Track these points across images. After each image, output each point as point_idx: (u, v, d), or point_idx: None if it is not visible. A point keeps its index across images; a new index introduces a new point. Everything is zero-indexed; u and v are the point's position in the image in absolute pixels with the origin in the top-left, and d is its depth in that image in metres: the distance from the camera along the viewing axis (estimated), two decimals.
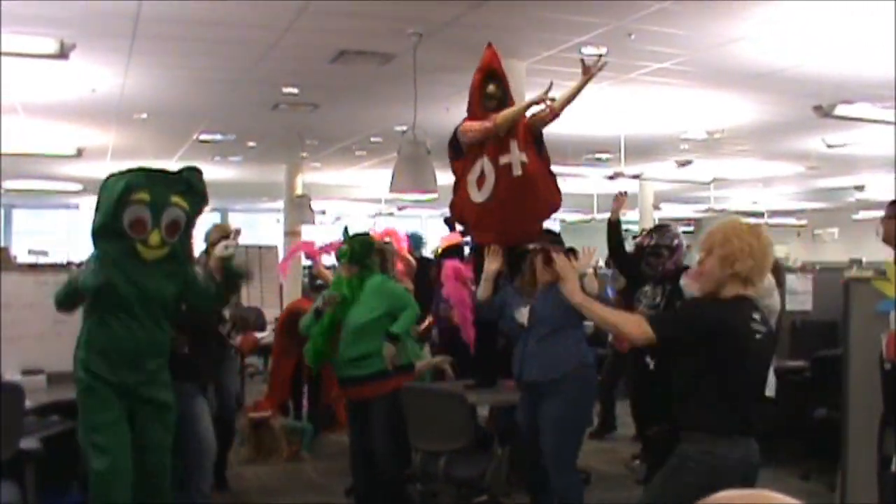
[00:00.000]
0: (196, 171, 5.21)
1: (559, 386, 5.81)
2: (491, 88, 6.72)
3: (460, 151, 6.79)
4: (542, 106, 6.59)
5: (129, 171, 5.05)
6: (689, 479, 3.77)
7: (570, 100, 6.59)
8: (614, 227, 7.25)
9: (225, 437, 7.31)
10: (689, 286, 6.28)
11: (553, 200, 6.77)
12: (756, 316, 3.79)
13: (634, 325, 3.91)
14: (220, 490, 7.35)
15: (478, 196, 6.66)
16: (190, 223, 5.17)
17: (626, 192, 7.49)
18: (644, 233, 7.30)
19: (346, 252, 6.42)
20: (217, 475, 7.39)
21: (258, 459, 8.49)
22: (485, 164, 6.61)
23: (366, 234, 6.67)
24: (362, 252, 6.42)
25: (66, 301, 5.08)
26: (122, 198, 4.86)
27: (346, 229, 6.68)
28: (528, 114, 6.67)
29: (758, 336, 3.77)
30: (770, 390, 6.17)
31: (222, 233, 6.57)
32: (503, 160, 6.52)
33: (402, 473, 6.55)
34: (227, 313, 6.67)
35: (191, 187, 5.13)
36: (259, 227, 30.93)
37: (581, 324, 5.81)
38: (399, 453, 6.46)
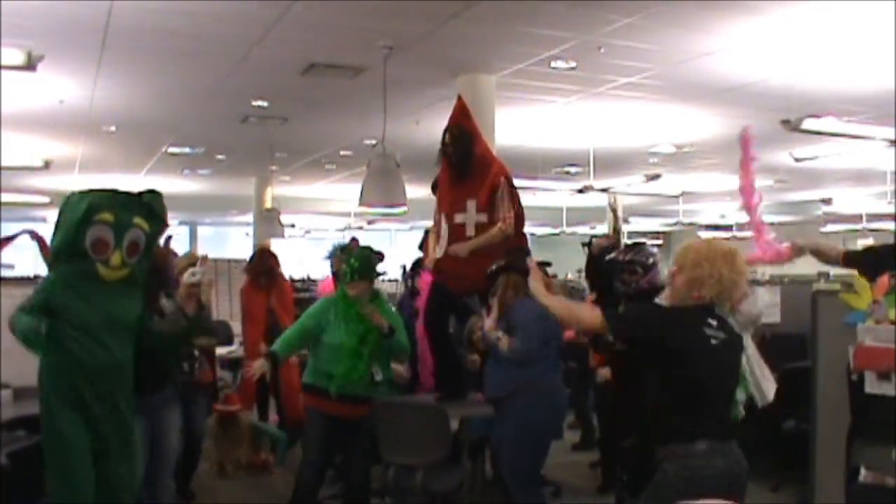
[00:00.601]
0: (158, 196, 5.17)
1: (513, 402, 5.86)
2: (446, 138, 6.72)
3: None
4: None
5: (92, 191, 5.01)
6: (671, 495, 3.79)
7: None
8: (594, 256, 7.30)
9: (191, 456, 7.30)
10: None
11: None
12: (712, 321, 3.82)
13: (587, 311, 4.17)
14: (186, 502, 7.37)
15: (436, 252, 6.71)
16: (149, 246, 5.14)
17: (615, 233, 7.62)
18: (620, 250, 7.28)
19: (347, 272, 6.24)
20: (182, 489, 7.38)
21: (221, 457, 8.42)
22: (442, 220, 6.67)
23: (366, 248, 6.51)
24: (365, 265, 6.26)
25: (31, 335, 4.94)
26: (85, 218, 4.82)
27: (337, 247, 6.60)
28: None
29: (713, 342, 3.79)
30: (770, 394, 6.17)
31: (190, 261, 6.54)
32: (458, 219, 6.54)
33: (369, 488, 6.56)
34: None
35: (152, 211, 5.10)
36: (228, 241, 30.83)
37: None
38: (368, 469, 6.47)
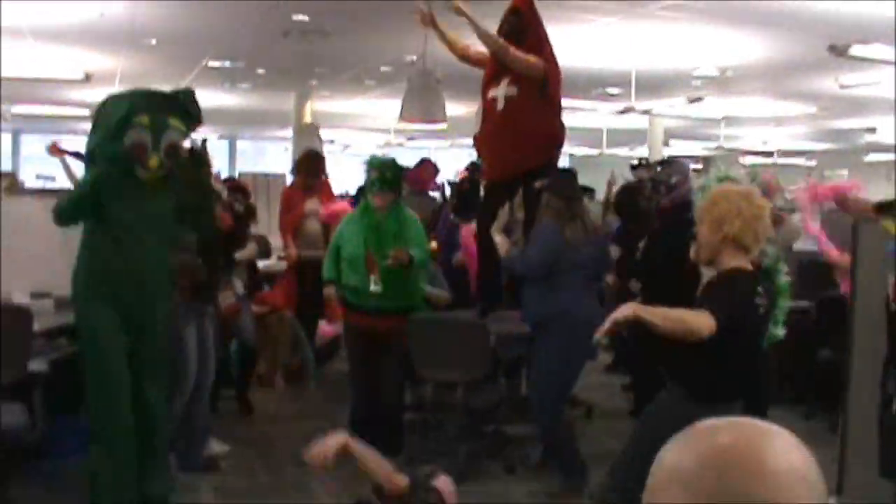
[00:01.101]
0: (191, 94, 5.20)
1: (545, 332, 5.87)
2: (503, 22, 6.63)
3: None
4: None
5: (129, 93, 5.04)
6: (662, 429, 3.80)
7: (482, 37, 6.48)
8: None
9: (245, 363, 7.46)
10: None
11: (547, 142, 6.57)
12: (759, 289, 3.83)
13: (695, 319, 3.63)
14: (243, 414, 7.61)
15: (477, 130, 6.74)
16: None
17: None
18: (648, 165, 7.20)
19: (376, 180, 6.30)
20: (239, 399, 7.61)
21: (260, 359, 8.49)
22: (480, 98, 6.67)
23: (393, 160, 6.58)
24: (395, 178, 6.35)
25: (71, 211, 4.98)
26: (124, 121, 4.86)
27: (372, 157, 6.59)
28: None
29: (761, 310, 3.84)
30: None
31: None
32: (491, 94, 6.50)
33: (403, 403, 6.65)
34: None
35: (186, 110, 5.13)
36: (267, 156, 30.89)
37: (554, 274, 5.81)
38: (402, 385, 6.55)
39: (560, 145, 6.67)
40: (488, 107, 6.50)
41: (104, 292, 4.93)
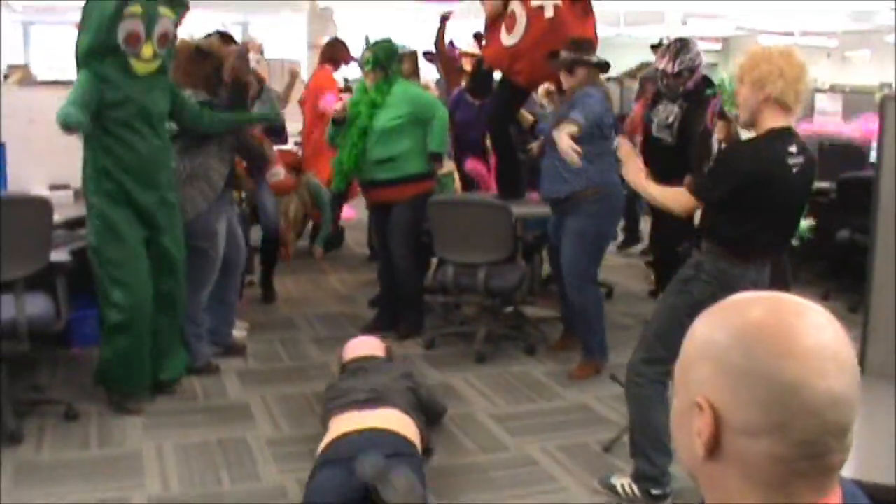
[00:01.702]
0: None
1: (577, 202, 5.87)
2: None
3: None
4: None
5: None
6: (698, 292, 3.84)
7: None
8: None
9: (270, 253, 7.52)
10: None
11: (589, 47, 6.51)
12: (792, 149, 3.76)
13: (678, 200, 3.96)
14: (267, 301, 7.68)
15: (508, 39, 6.58)
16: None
17: None
18: (662, 50, 7.12)
19: (369, 59, 6.45)
20: (263, 285, 7.75)
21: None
22: (515, 6, 6.53)
23: (388, 41, 6.63)
24: (386, 58, 6.45)
25: (81, 118, 5.00)
26: (116, 13, 4.90)
27: (367, 38, 6.66)
28: None
29: (794, 170, 3.76)
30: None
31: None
32: (535, 2, 6.41)
33: (421, 281, 6.72)
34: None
35: None
36: (282, 40, 30.59)
37: (595, 140, 5.76)
38: (417, 259, 6.62)
39: (596, 47, 6.60)
40: (533, 14, 6.42)
41: (113, 189, 5.07)
